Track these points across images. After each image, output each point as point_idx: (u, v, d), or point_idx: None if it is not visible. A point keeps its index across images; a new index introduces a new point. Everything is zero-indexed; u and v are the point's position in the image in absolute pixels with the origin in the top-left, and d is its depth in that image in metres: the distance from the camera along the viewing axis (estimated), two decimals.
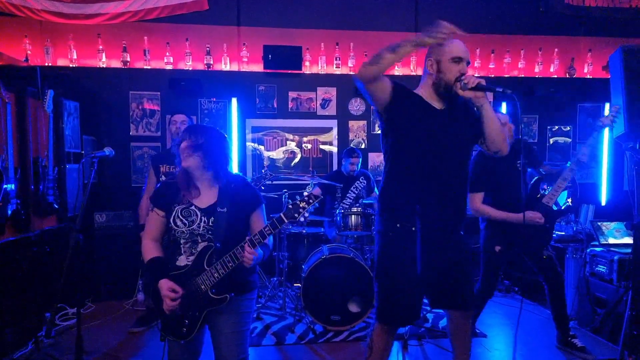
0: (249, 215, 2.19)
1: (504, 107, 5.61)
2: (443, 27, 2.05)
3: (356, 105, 5.53)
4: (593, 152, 3.19)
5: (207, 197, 2.15)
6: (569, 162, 3.25)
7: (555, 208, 3.34)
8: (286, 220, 2.02)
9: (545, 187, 3.67)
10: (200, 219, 2.10)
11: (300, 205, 2.02)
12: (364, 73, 2.10)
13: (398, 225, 2.23)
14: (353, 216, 4.06)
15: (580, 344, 3.25)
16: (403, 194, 2.24)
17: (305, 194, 2.06)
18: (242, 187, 2.19)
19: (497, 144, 2.25)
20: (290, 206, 2.04)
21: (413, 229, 2.20)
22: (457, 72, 2.19)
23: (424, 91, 2.30)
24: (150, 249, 2.15)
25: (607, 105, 5.66)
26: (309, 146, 5.50)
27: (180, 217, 2.11)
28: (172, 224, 2.11)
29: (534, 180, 3.41)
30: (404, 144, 2.24)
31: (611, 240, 3.91)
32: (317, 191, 4.71)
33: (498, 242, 3.21)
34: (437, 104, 2.26)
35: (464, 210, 2.34)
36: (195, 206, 2.12)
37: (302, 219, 2.04)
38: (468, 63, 2.24)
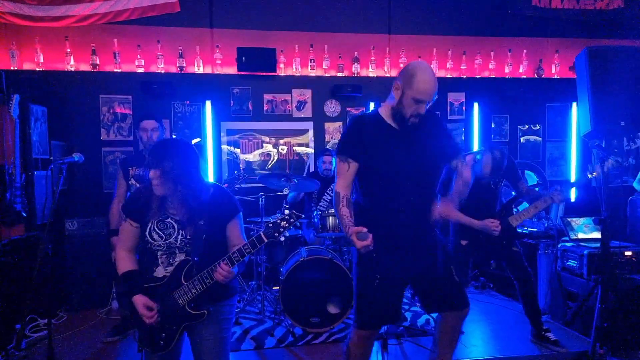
0: (226, 225, 2.12)
1: (475, 108, 5.71)
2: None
3: (332, 107, 5.55)
4: (566, 194, 3.30)
5: (182, 208, 2.06)
6: (547, 192, 3.31)
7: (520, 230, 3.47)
8: (266, 240, 1.98)
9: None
10: (178, 232, 2.04)
11: (281, 225, 1.98)
12: None
13: (376, 233, 2.25)
14: (330, 217, 4.07)
15: (554, 337, 3.33)
16: (372, 208, 2.31)
17: (287, 212, 2.03)
18: (218, 197, 2.12)
19: None
20: (270, 225, 1.99)
21: (383, 238, 2.23)
22: (414, 111, 2.20)
23: (386, 111, 2.32)
24: (124, 261, 2.09)
25: (574, 105, 5.84)
26: (285, 148, 5.48)
27: (157, 229, 2.04)
28: (148, 237, 2.04)
29: (510, 198, 3.52)
30: (368, 164, 2.28)
31: (581, 235, 4.03)
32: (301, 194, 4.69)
33: (464, 237, 3.33)
34: (395, 124, 2.30)
35: (431, 216, 2.37)
36: (172, 218, 2.05)
37: (282, 238, 2.00)
38: (431, 102, 2.23)
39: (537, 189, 4.64)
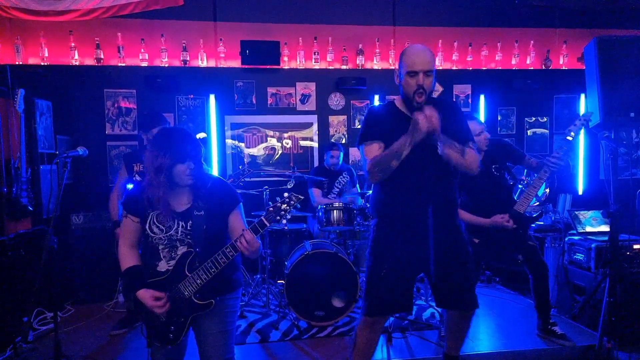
0: (226, 216, 2.12)
1: (481, 101, 5.66)
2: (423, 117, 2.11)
3: (336, 100, 5.51)
4: (565, 156, 3.16)
5: (181, 200, 2.07)
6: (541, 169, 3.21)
7: (535, 202, 3.37)
8: (268, 224, 1.97)
9: (523, 178, 3.70)
10: (178, 224, 2.04)
11: (282, 208, 1.97)
12: (377, 181, 2.29)
13: (390, 225, 2.33)
14: (335, 211, 4.05)
15: (560, 331, 3.30)
16: (390, 195, 2.34)
17: (286, 195, 2.00)
18: (218, 187, 2.12)
19: (462, 168, 2.30)
20: (271, 209, 1.98)
21: (403, 228, 2.30)
22: (414, 86, 2.22)
23: (400, 101, 2.40)
24: (126, 257, 2.09)
25: (582, 97, 5.76)
26: (289, 142, 5.47)
27: (157, 223, 2.04)
28: (149, 231, 2.04)
29: (508, 185, 3.44)
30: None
31: (588, 229, 3.99)
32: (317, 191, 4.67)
33: (476, 235, 3.25)
34: (410, 112, 2.31)
35: (453, 201, 2.40)
36: (171, 210, 2.04)
37: (284, 221, 1.98)
38: (430, 72, 2.22)
39: (544, 182, 4.55)
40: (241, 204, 2.16)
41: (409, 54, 2.24)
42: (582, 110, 5.81)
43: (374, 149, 2.29)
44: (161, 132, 2.10)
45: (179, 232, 2.04)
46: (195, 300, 2.00)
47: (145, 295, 1.97)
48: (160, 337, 2.04)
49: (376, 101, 5.48)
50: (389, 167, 2.18)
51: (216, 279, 2.01)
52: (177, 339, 2.03)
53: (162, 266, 2.04)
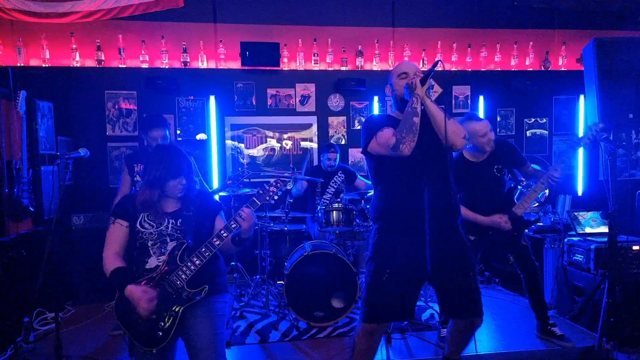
0: (213, 220, 2.26)
1: (481, 102, 5.67)
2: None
3: (335, 101, 5.53)
4: (566, 169, 3.16)
5: (171, 205, 2.21)
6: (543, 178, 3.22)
7: (535, 203, 3.37)
8: (259, 203, 2.14)
9: (523, 179, 3.71)
10: (168, 221, 2.14)
11: (270, 190, 2.17)
12: (410, 148, 2.19)
13: (392, 229, 2.32)
14: (334, 212, 4.06)
15: (560, 332, 3.30)
16: (390, 198, 2.34)
17: (272, 180, 2.22)
18: (203, 195, 2.31)
19: (447, 138, 2.23)
20: (260, 191, 2.17)
21: (406, 232, 2.29)
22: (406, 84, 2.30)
23: (394, 113, 2.48)
24: (111, 261, 2.11)
25: (581, 98, 5.77)
26: (289, 143, 5.48)
27: (147, 220, 2.14)
28: (139, 227, 2.11)
29: (509, 187, 3.45)
30: (389, 161, 2.30)
31: (588, 230, 3.99)
32: (304, 184, 4.69)
33: (471, 232, 3.25)
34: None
35: (454, 205, 2.37)
36: (163, 211, 2.18)
37: (272, 202, 2.22)
38: (418, 75, 2.32)
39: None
40: (222, 212, 2.35)
41: (398, 66, 2.45)
42: (581, 111, 5.82)
43: (389, 131, 2.25)
44: (158, 149, 2.36)
45: (169, 228, 2.13)
46: (188, 289, 2.05)
47: (136, 288, 1.98)
48: (148, 339, 2.04)
49: (375, 102, 5.50)
50: (413, 123, 2.17)
51: (204, 278, 2.09)
52: (166, 337, 2.03)
53: (152, 262, 2.08)
